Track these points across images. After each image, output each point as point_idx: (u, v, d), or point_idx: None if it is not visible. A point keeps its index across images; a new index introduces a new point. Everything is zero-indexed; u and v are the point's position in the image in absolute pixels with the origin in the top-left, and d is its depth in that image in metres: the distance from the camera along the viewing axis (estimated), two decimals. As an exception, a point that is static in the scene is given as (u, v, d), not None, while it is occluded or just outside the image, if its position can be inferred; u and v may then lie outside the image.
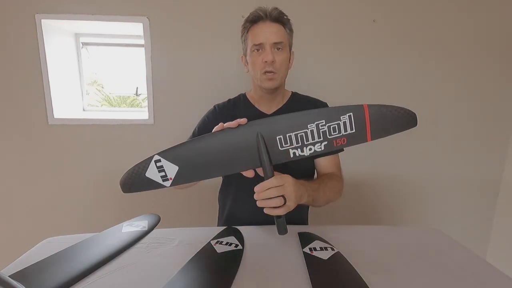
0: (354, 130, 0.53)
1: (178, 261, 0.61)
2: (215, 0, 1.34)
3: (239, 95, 0.96)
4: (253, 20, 0.81)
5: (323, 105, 0.92)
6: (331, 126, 0.53)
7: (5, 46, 1.32)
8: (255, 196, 0.57)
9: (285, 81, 0.88)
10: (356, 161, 1.50)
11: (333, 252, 0.64)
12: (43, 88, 1.36)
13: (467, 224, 1.63)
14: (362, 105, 0.52)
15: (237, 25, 0.86)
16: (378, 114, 0.53)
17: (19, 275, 0.55)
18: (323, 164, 0.87)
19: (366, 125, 0.53)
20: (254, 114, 0.89)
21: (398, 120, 0.53)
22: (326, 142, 0.54)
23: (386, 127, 0.54)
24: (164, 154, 0.57)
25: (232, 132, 0.56)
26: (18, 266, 0.59)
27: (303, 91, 0.96)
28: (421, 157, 1.53)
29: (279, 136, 0.55)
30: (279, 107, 0.90)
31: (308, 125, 0.53)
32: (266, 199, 0.56)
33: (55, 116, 1.39)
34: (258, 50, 0.81)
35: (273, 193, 0.56)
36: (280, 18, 0.80)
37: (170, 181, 0.57)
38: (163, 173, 0.57)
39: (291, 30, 0.84)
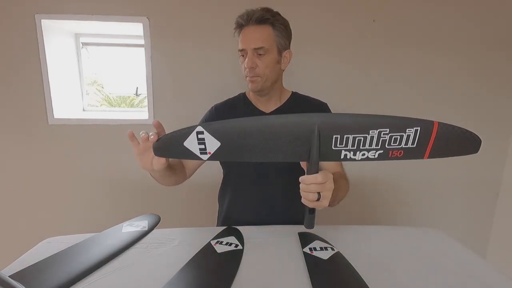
0: (414, 145, 0.50)
1: (178, 261, 0.61)
2: (214, 0, 1.34)
3: (239, 95, 0.96)
4: (238, 25, 0.82)
5: (323, 105, 0.91)
6: (393, 137, 0.50)
7: (5, 46, 1.32)
8: (301, 186, 0.58)
9: (281, 81, 0.89)
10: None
11: (333, 252, 0.65)
12: (43, 88, 1.36)
13: (467, 224, 1.63)
14: (433, 121, 0.49)
15: (237, 25, 0.86)
16: (444, 134, 0.50)
17: (19, 275, 0.55)
18: (330, 164, 0.86)
19: (429, 143, 0.50)
20: (253, 112, 0.89)
21: (461, 144, 0.51)
22: (382, 151, 0.52)
23: (447, 149, 0.51)
24: (209, 126, 0.53)
25: (288, 118, 0.53)
26: (18, 266, 0.59)
27: (303, 91, 0.96)
28: (421, 157, 1.53)
29: (336, 135, 0.51)
30: (277, 106, 0.90)
31: (370, 131, 0.50)
32: (306, 191, 0.57)
33: (55, 116, 1.39)
34: (242, 55, 0.83)
35: (314, 188, 0.56)
36: (264, 20, 0.79)
37: (208, 155, 0.55)
38: (202, 146, 0.54)
39: (282, 30, 0.82)
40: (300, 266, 0.61)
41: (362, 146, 0.52)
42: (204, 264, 0.61)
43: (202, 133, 0.53)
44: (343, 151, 0.53)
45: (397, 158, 0.52)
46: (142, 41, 1.36)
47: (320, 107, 0.91)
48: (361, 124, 0.50)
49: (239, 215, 0.91)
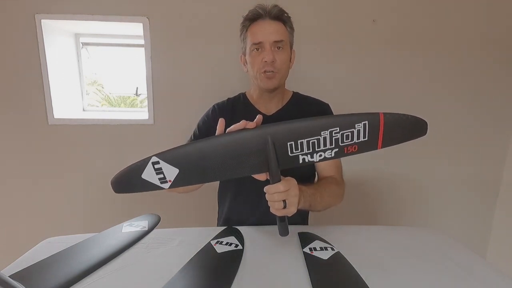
0: (366, 138, 0.53)
1: (178, 261, 0.61)
2: (215, 0, 1.34)
3: (238, 94, 0.95)
4: (252, 18, 0.79)
5: (324, 106, 0.91)
6: (345, 134, 0.52)
7: (5, 46, 1.32)
8: (266, 196, 0.59)
9: (285, 81, 0.88)
10: (356, 161, 1.49)
11: (333, 252, 0.65)
12: (43, 88, 1.36)
13: (467, 224, 1.63)
14: (378, 113, 0.52)
15: (237, 25, 0.86)
16: (392, 123, 0.52)
17: (19, 275, 0.55)
18: (323, 167, 0.86)
19: (379, 134, 0.52)
20: (253, 114, 0.88)
21: (409, 129, 0.53)
22: (337, 149, 0.54)
23: (397, 136, 0.53)
24: (163, 155, 0.53)
25: (240, 134, 0.54)
26: (18, 266, 0.59)
27: (303, 91, 0.95)
28: (421, 157, 1.53)
29: (290, 142, 0.53)
30: (279, 108, 0.89)
31: (322, 132, 0.52)
32: (271, 201, 0.58)
33: (55, 116, 1.39)
34: (257, 49, 0.79)
35: (277, 197, 0.57)
36: (280, 16, 0.79)
37: (169, 183, 0.55)
38: (161, 175, 0.54)
39: (291, 28, 0.83)
40: (300, 266, 0.61)
41: (318, 148, 0.54)
42: (204, 264, 0.61)
43: (157, 163, 0.53)
44: (300, 155, 0.55)
45: (353, 153, 0.54)
46: (142, 41, 1.36)
47: (322, 107, 0.91)
48: (312, 127, 0.52)
49: (239, 216, 0.91)
